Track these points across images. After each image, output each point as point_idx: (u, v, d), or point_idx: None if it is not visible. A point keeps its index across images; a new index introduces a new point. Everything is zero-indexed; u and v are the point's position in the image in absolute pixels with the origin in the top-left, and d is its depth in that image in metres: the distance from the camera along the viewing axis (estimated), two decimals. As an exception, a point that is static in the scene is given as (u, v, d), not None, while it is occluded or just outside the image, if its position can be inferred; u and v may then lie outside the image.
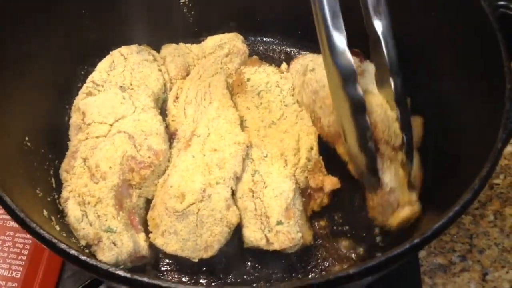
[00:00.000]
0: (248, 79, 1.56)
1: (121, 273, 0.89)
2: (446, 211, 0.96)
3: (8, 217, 1.43)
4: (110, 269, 0.89)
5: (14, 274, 1.39)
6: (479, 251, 1.47)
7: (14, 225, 1.44)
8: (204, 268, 1.32)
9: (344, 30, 1.12)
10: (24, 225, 0.95)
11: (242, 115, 1.48)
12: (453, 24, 1.31)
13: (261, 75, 1.57)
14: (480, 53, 1.22)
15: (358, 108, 1.18)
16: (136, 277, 0.89)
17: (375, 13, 1.22)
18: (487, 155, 1.01)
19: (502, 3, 1.19)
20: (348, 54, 1.12)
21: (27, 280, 1.38)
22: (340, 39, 1.12)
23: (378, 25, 1.22)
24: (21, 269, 1.39)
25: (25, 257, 1.41)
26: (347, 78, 1.15)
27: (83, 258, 0.90)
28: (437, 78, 1.40)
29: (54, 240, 0.92)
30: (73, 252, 0.91)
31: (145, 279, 0.88)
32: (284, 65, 1.63)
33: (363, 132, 1.21)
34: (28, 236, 1.40)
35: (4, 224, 1.46)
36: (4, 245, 1.42)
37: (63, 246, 0.92)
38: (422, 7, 1.40)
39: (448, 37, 1.33)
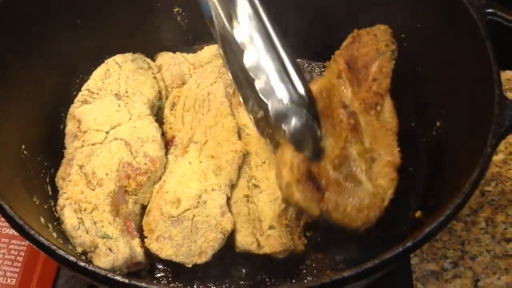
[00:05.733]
0: None
1: (119, 278, 0.90)
2: (437, 215, 0.98)
3: (3, 224, 1.46)
4: (109, 275, 0.90)
5: (9, 281, 1.39)
6: (471, 257, 1.48)
7: (9, 232, 1.45)
8: (199, 274, 1.33)
9: None
10: (23, 233, 0.96)
11: (244, 123, 1.48)
12: (442, 31, 1.34)
13: None
14: (469, 59, 1.24)
15: None
16: (134, 282, 0.90)
17: None
18: (477, 160, 1.04)
19: (489, 10, 1.22)
20: None
21: (22, 287, 1.38)
22: None
23: None
24: (16, 276, 1.40)
25: (20, 263, 1.41)
26: None
27: (82, 264, 0.91)
28: (426, 84, 1.43)
29: (53, 247, 0.93)
30: (71, 258, 0.92)
31: (143, 284, 0.90)
32: None
33: None
34: (23, 243, 1.43)
35: (-1, 231, 1.46)
36: (-1, 252, 1.43)
37: (61, 252, 0.93)
38: (410, 15, 1.44)
39: (437, 44, 1.36)
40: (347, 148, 1.31)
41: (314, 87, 1.38)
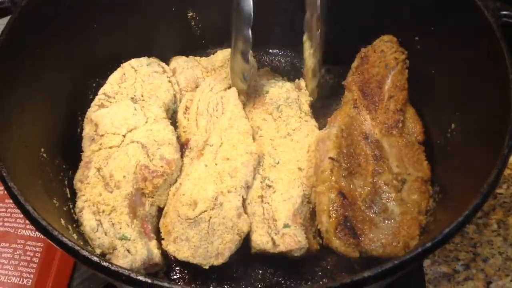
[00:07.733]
0: (267, 92, 1.59)
1: (142, 278, 0.91)
2: (455, 216, 0.99)
3: (19, 225, 1.48)
4: (132, 274, 0.91)
5: (25, 281, 1.40)
6: (483, 259, 1.49)
7: (25, 233, 1.48)
8: (214, 276, 1.34)
9: None
10: (47, 234, 0.97)
11: (258, 125, 1.50)
12: (457, 33, 1.35)
13: (281, 89, 1.60)
14: (485, 61, 1.24)
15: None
16: (157, 282, 0.91)
17: None
18: (495, 161, 1.04)
19: (504, 12, 1.23)
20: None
21: (38, 287, 1.40)
22: None
23: None
24: (32, 276, 1.41)
25: (36, 264, 1.43)
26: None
27: (105, 264, 0.93)
28: (440, 86, 1.44)
29: (76, 248, 0.94)
30: (94, 258, 0.93)
31: (166, 284, 0.91)
32: (302, 82, 1.65)
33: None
34: (39, 244, 1.45)
35: (16, 232, 1.48)
36: (15, 253, 1.44)
37: (85, 253, 0.94)
38: (426, 18, 1.45)
39: (451, 46, 1.37)
40: (375, 182, 1.34)
41: (334, 129, 1.41)
